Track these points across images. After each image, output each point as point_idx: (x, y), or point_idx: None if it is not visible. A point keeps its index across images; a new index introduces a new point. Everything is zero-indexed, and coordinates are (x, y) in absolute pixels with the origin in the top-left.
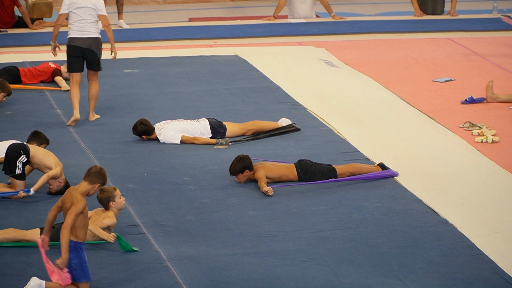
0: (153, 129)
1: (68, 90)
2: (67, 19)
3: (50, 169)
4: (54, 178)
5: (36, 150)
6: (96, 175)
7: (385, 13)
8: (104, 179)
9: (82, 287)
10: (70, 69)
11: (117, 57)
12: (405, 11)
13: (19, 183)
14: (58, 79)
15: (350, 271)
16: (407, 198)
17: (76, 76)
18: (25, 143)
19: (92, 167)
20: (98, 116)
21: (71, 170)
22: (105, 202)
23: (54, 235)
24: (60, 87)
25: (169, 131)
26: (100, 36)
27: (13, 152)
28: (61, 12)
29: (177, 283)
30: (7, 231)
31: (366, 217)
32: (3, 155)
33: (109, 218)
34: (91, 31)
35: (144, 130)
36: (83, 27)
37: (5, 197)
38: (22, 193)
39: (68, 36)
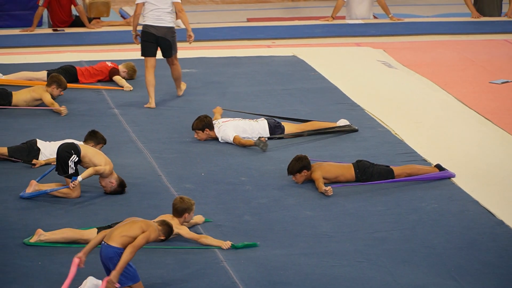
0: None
1: (131, 90)
2: (123, 18)
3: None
4: (102, 176)
5: (86, 150)
6: (168, 230)
7: (442, 14)
8: (169, 236)
9: (136, 287)
10: (144, 54)
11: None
12: (462, 13)
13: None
14: (117, 78)
15: (407, 272)
16: (463, 199)
17: (150, 61)
18: (75, 142)
19: (167, 221)
20: (184, 86)
21: (128, 169)
22: (180, 211)
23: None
24: (122, 87)
25: (227, 128)
26: (174, 26)
27: (64, 152)
28: (137, 1)
29: (234, 283)
30: (64, 231)
31: (423, 218)
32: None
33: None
34: (167, 20)
35: (208, 123)
36: (159, 16)
37: (59, 195)
38: (71, 184)
39: (144, 23)
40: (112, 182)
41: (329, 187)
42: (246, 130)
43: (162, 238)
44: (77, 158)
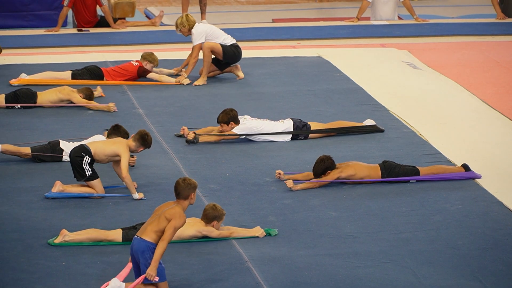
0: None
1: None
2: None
3: (118, 155)
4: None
5: (95, 146)
6: (188, 188)
7: (467, 15)
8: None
9: (161, 287)
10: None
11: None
12: (488, 14)
13: (95, 183)
14: (154, 76)
15: (431, 273)
16: (487, 200)
17: None
18: (82, 143)
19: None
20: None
21: (153, 170)
22: (211, 218)
23: (129, 234)
24: (183, 83)
25: (251, 123)
26: None
27: (76, 158)
28: (197, 42)
29: (258, 284)
30: (89, 231)
31: (447, 219)
32: None
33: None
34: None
35: (234, 116)
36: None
37: (91, 197)
38: (138, 196)
39: (231, 43)
40: (138, 150)
41: (289, 181)
42: (270, 130)
43: (193, 194)
44: (90, 159)
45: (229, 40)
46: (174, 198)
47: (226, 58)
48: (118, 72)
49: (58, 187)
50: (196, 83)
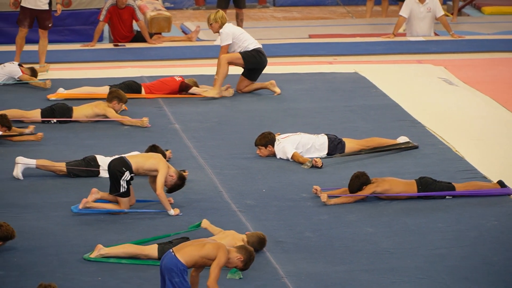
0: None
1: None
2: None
3: (156, 170)
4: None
5: (137, 161)
6: (248, 258)
7: (503, 32)
8: (248, 266)
9: None
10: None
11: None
12: None
13: (124, 200)
14: (197, 90)
15: None
16: None
17: None
18: (124, 155)
19: (247, 248)
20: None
21: (189, 185)
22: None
23: (165, 249)
24: (225, 95)
25: (286, 144)
26: None
27: (116, 171)
28: (224, 43)
29: None
30: (125, 246)
31: (483, 235)
32: None
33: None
34: None
35: (272, 140)
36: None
37: (114, 213)
38: (174, 212)
39: (255, 47)
40: (171, 175)
41: (323, 195)
42: (305, 145)
43: (240, 266)
44: (129, 176)
45: (253, 46)
46: (210, 213)
47: (249, 63)
48: (159, 86)
49: (84, 204)
50: (206, 94)
